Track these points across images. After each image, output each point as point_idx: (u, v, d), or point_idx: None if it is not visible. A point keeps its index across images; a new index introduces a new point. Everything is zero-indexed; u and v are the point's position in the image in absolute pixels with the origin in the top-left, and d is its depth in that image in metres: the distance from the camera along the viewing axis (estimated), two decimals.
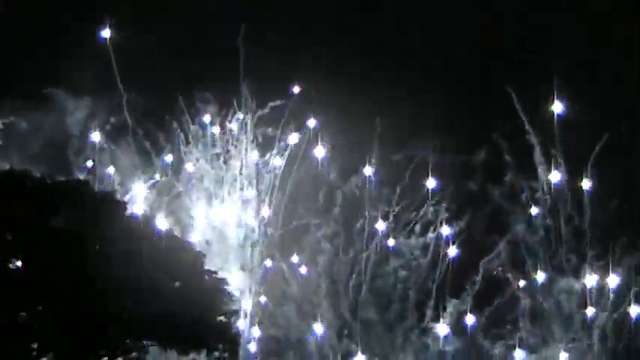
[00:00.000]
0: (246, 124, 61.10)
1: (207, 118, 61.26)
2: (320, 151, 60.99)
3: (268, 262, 60.90)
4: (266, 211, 61.22)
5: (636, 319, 59.60)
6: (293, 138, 61.08)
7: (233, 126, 61.05)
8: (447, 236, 61.26)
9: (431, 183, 61.14)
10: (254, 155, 61.41)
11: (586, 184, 60.68)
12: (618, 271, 59.97)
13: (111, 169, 60.60)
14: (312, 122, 61.05)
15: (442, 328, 60.17)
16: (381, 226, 61.31)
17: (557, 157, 60.52)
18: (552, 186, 60.89)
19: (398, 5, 59.93)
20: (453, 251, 61.09)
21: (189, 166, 61.24)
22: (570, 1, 59.71)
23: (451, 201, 61.05)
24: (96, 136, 60.56)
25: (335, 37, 58.41)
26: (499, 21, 59.17)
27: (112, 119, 60.83)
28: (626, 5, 59.82)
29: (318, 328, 60.02)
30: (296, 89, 60.69)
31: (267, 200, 61.21)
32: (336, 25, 59.58)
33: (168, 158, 61.17)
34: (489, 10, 59.15)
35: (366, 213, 61.42)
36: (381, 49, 59.18)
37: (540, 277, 60.63)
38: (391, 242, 61.36)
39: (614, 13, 59.20)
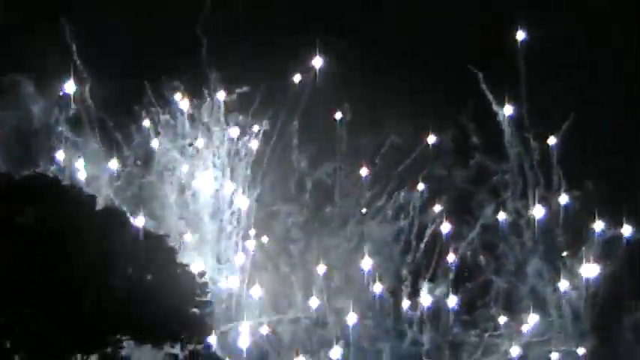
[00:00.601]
0: (219, 108, 60.42)
1: (179, 100, 60.17)
2: (318, 62, 60.17)
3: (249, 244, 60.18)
4: (241, 201, 60.55)
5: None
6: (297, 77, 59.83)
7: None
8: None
9: (431, 139, 60.87)
10: (234, 132, 60.06)
11: (552, 140, 60.57)
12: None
13: (78, 161, 59.62)
14: (317, 61, 60.22)
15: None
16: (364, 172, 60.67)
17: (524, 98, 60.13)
18: (507, 119, 60.36)
19: (398, 5, 59.79)
20: (446, 227, 60.57)
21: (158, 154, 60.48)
22: (570, 1, 59.71)
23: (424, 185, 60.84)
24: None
25: (335, 37, 58.59)
26: (499, 21, 59.18)
27: (75, 107, 59.90)
28: (626, 5, 59.99)
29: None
30: (297, 78, 60.27)
31: (240, 189, 60.64)
32: (336, 25, 59.42)
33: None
34: (489, 10, 59.12)
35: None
36: (381, 49, 58.88)
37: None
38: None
39: (614, 13, 59.37)
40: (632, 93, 59.90)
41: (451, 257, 60.45)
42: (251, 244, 60.35)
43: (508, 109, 60.77)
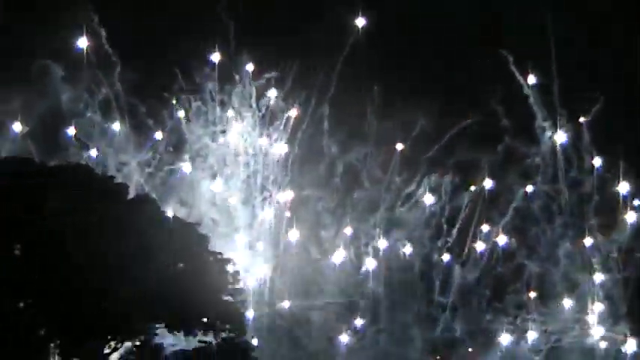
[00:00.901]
0: (250, 96, 60.21)
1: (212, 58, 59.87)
2: (361, 22, 59.77)
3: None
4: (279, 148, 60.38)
5: None
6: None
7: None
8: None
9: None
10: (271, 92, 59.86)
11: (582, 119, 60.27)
12: None
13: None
14: (360, 21, 59.80)
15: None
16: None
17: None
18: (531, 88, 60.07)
19: (398, 5, 59.37)
20: (488, 183, 60.11)
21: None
22: (570, 1, 59.37)
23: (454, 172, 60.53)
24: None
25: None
26: (499, 21, 58.93)
27: (104, 91, 59.83)
28: (626, 5, 59.68)
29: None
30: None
31: (271, 176, 60.48)
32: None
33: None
34: (489, 10, 58.89)
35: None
36: (381, 49, 58.75)
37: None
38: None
39: (614, 13, 59.11)
40: (632, 93, 59.48)
41: (480, 245, 60.09)
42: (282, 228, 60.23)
43: (531, 79, 60.23)
